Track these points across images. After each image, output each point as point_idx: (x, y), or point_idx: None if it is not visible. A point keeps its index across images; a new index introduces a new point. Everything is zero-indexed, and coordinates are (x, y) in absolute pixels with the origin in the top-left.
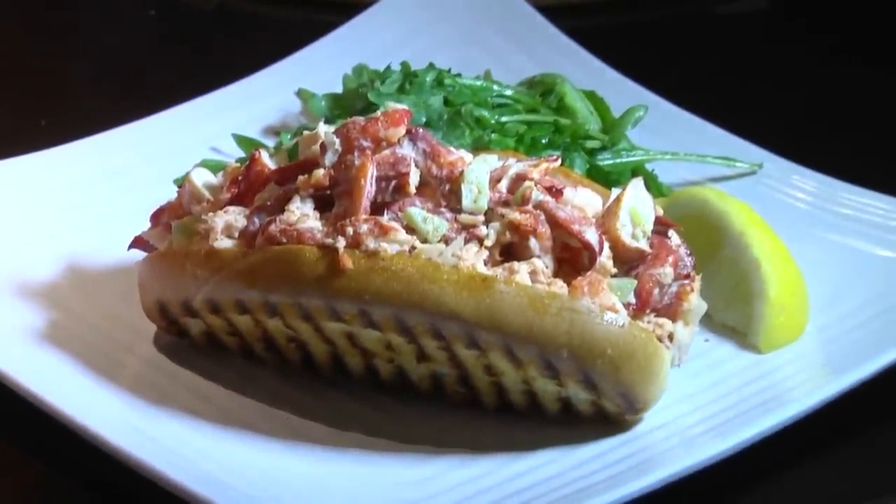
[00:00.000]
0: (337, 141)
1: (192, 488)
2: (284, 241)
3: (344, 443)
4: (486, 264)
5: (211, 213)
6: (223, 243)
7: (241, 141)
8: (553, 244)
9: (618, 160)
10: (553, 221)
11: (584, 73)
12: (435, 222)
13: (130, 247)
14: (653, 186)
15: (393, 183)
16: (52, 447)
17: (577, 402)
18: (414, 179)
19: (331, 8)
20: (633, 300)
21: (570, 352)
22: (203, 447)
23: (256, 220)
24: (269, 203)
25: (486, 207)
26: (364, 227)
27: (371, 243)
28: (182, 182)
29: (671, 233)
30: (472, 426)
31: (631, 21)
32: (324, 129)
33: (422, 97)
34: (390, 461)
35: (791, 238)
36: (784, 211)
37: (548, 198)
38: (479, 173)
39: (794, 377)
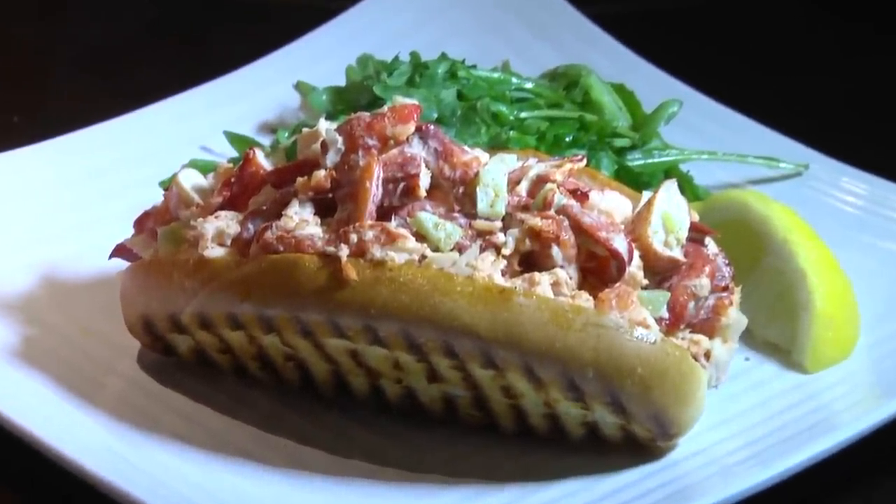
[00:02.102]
0: (339, 139)
1: None
2: (281, 249)
3: (347, 471)
4: (503, 275)
5: (200, 219)
6: (214, 252)
7: (234, 139)
8: (577, 253)
9: (649, 160)
10: (578, 228)
11: (612, 63)
12: (447, 229)
13: (112, 255)
14: (687, 189)
15: (401, 185)
16: (26, 476)
17: (604, 427)
18: (424, 182)
19: None
20: (665, 314)
21: (597, 371)
22: (192, 476)
23: (251, 227)
24: (264, 207)
25: (503, 212)
26: (369, 235)
27: (377, 252)
28: (169, 184)
29: (708, 240)
30: (489, 453)
31: (663, 7)
32: (325, 126)
33: (433, 91)
34: (398, 492)
35: (839, 246)
36: (832, 216)
37: (572, 202)
38: (496, 175)
39: (844, 399)
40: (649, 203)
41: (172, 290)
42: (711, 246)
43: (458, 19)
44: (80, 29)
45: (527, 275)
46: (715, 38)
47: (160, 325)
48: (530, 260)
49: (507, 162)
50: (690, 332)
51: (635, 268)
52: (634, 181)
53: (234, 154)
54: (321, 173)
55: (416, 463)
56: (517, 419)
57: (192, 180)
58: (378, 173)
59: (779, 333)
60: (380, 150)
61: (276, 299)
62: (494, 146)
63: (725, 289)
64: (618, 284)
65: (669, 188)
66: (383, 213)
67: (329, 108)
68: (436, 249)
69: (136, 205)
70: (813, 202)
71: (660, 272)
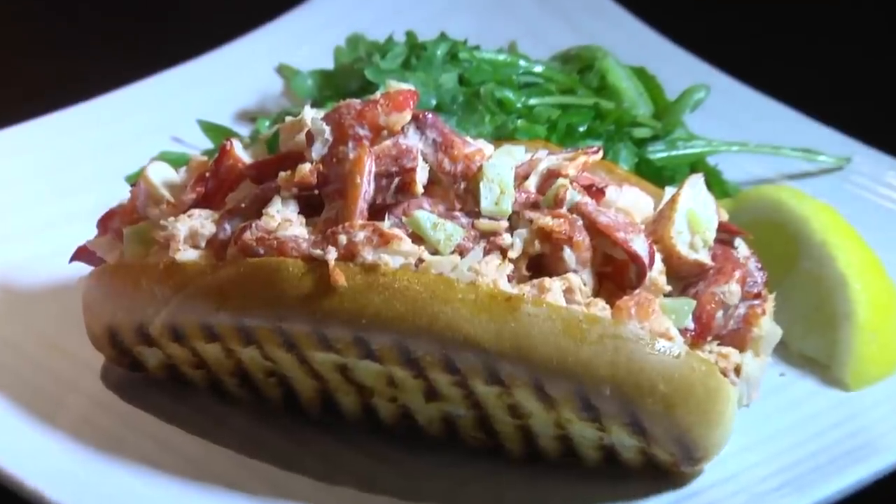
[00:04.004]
0: (327, 129)
1: None
2: (262, 251)
3: (335, 500)
4: (510, 281)
5: (171, 218)
6: (187, 254)
7: (209, 128)
8: (593, 256)
9: (673, 152)
10: (593, 228)
11: (631, 44)
12: (447, 229)
13: (72, 259)
14: (715, 185)
15: (396, 181)
16: None
17: (621, 451)
18: (422, 176)
19: None
20: (691, 325)
21: (614, 388)
22: None
23: (228, 227)
24: (243, 205)
25: (510, 211)
26: (360, 236)
27: (369, 255)
28: (136, 179)
29: (738, 242)
30: (494, 480)
31: None
32: (310, 115)
33: (431, 75)
34: None
35: (885, 248)
36: (877, 215)
37: (586, 199)
38: (501, 169)
39: (889, 419)
40: (673, 200)
41: (140, 298)
42: (742, 248)
43: None
44: (38, 5)
45: (536, 280)
46: (746, 15)
47: (127, 336)
48: (540, 264)
49: (514, 154)
50: (718, 344)
51: (657, 273)
52: (656, 176)
53: (209, 145)
54: (306, 167)
55: (413, 491)
56: (525, 442)
57: (161, 175)
58: (370, 167)
59: (817, 346)
60: (372, 142)
61: (256, 308)
62: (500, 137)
63: (758, 296)
64: (637, 291)
65: (695, 184)
66: (376, 212)
67: (315, 94)
68: (434, 252)
69: (99, 202)
70: (855, 199)
71: (684, 277)
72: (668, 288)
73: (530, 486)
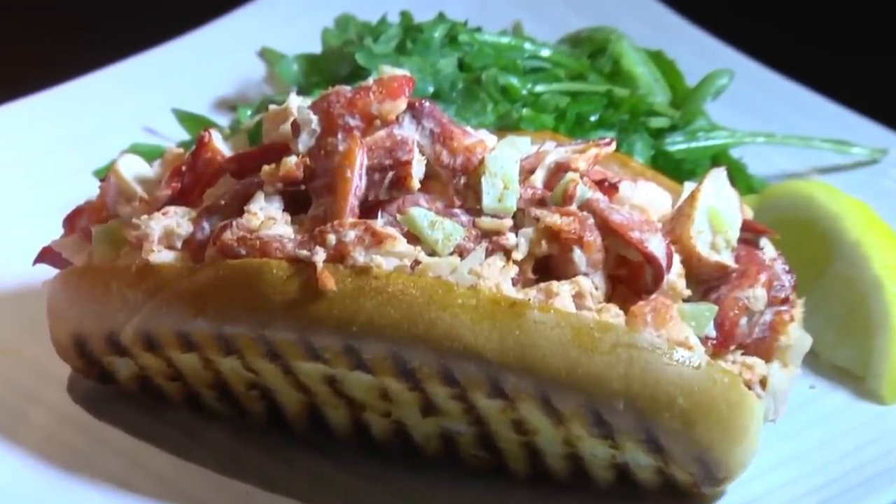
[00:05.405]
0: (314, 118)
1: None
2: (244, 252)
3: None
4: (514, 284)
5: (145, 216)
6: (161, 256)
7: (185, 118)
8: (605, 257)
9: (693, 144)
10: (605, 227)
11: (647, 26)
12: (446, 228)
13: (37, 261)
14: (739, 179)
15: (390, 175)
16: None
17: (636, 470)
18: (418, 170)
19: None
20: (712, 333)
21: (628, 402)
22: None
23: (206, 225)
24: (222, 202)
25: (514, 208)
26: (351, 235)
27: (360, 256)
28: (106, 174)
29: (764, 242)
30: (496, 502)
31: None
32: (296, 103)
33: (429, 59)
34: None
35: None
36: None
37: (598, 195)
38: (505, 162)
39: None
40: (692, 197)
41: (110, 304)
42: (768, 249)
43: None
44: None
45: (543, 284)
46: None
47: (96, 345)
48: (547, 266)
49: (519, 146)
50: (742, 353)
51: (675, 276)
52: (674, 170)
53: (186, 136)
54: (292, 160)
55: None
56: (531, 461)
57: (133, 169)
58: (361, 160)
59: (850, 356)
60: (363, 132)
61: (237, 314)
62: (503, 127)
63: (785, 301)
64: (654, 296)
65: (717, 178)
66: (368, 209)
67: (301, 80)
68: (432, 253)
69: (65, 199)
70: (892, 195)
71: (705, 281)
72: (688, 292)
73: None
